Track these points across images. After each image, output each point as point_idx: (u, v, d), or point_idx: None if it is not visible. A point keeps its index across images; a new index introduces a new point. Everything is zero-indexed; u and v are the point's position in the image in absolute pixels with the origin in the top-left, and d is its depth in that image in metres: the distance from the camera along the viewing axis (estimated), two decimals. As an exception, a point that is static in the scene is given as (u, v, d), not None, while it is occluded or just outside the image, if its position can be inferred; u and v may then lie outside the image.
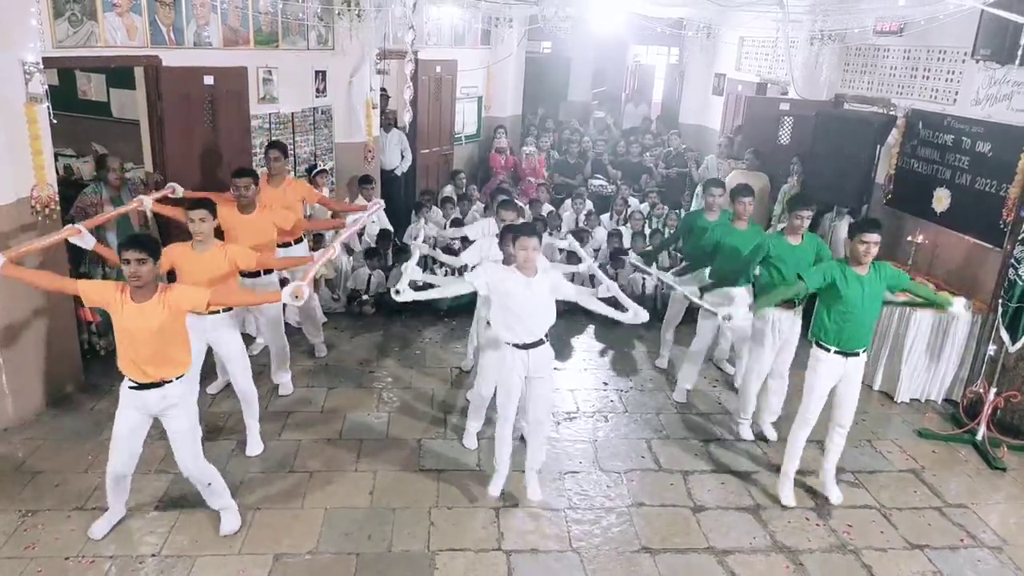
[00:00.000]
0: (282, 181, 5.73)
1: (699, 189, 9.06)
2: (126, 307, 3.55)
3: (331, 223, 6.25)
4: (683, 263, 6.14)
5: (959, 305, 4.62)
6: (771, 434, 5.25)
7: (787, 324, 4.98)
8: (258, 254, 4.51)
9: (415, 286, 4.40)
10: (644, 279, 7.13)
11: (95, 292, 3.64)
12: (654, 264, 6.04)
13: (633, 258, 6.36)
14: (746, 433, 5.29)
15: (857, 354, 4.33)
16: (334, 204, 6.49)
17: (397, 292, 4.09)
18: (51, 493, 4.27)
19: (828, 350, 4.32)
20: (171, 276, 4.37)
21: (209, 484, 3.96)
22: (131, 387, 3.69)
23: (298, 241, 5.81)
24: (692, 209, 8.53)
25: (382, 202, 5.97)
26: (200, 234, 4.29)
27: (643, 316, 4.22)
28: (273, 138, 6.64)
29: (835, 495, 4.60)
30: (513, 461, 4.51)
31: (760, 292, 5.04)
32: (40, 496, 4.24)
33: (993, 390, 5.21)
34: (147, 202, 4.90)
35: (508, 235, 4.52)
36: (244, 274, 4.75)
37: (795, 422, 4.55)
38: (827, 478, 4.64)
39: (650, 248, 6.86)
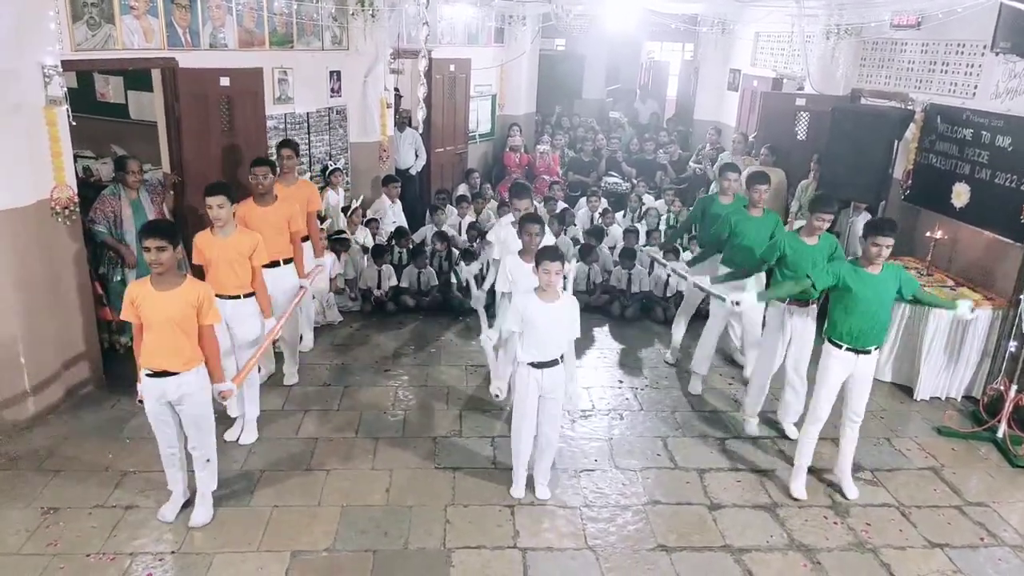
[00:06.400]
0: (295, 180, 5.74)
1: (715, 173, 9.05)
2: (149, 297, 3.66)
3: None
4: (697, 251, 6.16)
5: (964, 308, 4.55)
6: (792, 433, 5.18)
7: (799, 321, 4.93)
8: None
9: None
10: (668, 275, 7.08)
11: (130, 315, 3.72)
12: (670, 255, 6.09)
13: (650, 250, 6.39)
14: (751, 429, 5.26)
15: (868, 351, 4.34)
16: (313, 232, 5.81)
17: (489, 339, 4.56)
18: (72, 490, 4.32)
19: (840, 347, 4.34)
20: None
21: (208, 460, 4.05)
22: (147, 375, 3.76)
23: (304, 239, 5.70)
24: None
25: (332, 257, 6.07)
26: (219, 219, 4.39)
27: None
28: (285, 137, 6.65)
29: (852, 491, 4.58)
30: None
31: (771, 287, 5.07)
32: (61, 493, 4.29)
33: (1014, 387, 5.14)
34: None
35: (526, 224, 4.59)
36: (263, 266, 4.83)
37: (807, 418, 4.56)
38: (843, 475, 4.62)
39: (665, 241, 6.91)
